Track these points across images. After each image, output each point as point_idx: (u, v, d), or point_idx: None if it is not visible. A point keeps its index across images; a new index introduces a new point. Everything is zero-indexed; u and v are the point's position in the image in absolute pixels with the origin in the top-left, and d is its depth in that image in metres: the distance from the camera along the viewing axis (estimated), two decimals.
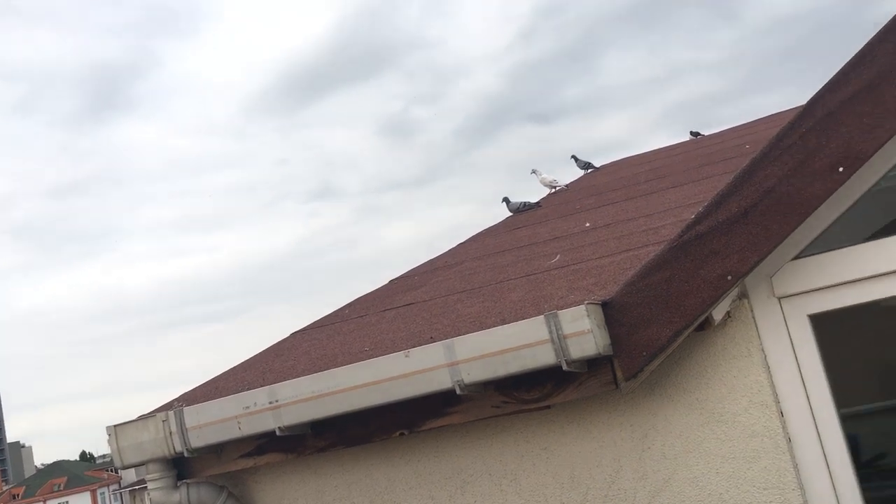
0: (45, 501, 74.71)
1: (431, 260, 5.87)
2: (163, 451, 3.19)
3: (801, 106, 2.57)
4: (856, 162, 2.42)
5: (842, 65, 2.47)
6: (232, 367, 3.93)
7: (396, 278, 5.48)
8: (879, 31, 2.40)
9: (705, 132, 10.20)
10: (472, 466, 3.03)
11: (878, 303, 2.73)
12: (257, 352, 4.19)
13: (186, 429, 3.13)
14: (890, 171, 2.56)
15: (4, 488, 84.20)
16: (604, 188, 7.25)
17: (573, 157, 9.61)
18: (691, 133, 10.64)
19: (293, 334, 4.49)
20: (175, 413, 3.15)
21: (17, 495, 77.10)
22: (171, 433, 3.16)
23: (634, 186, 6.55)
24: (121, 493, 74.56)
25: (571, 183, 8.53)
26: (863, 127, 2.39)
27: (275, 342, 4.34)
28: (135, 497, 71.64)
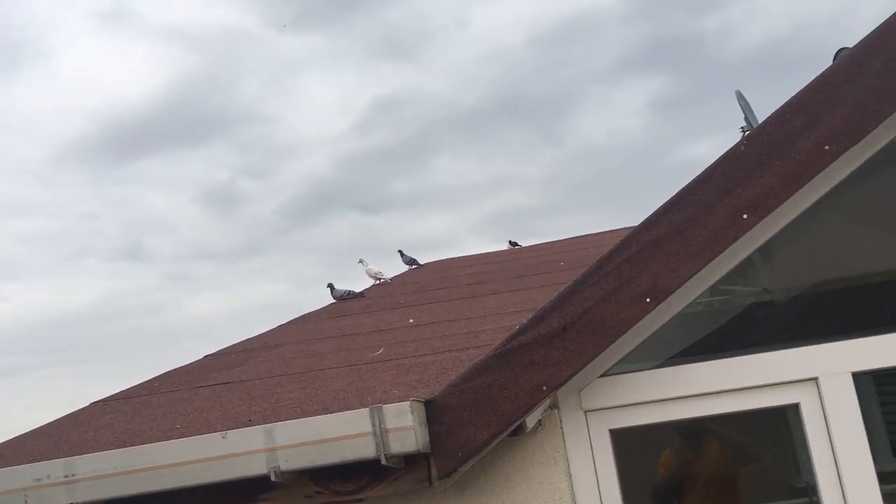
0: None
1: (250, 339, 5.76)
2: None
3: (613, 231, 2.86)
4: (662, 294, 2.71)
5: (655, 207, 2.79)
6: (22, 433, 3.63)
7: (211, 354, 5.32)
8: (689, 183, 2.75)
9: (522, 242, 10.82)
10: None
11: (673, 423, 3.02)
12: (52, 419, 3.90)
13: None
14: (690, 304, 2.88)
15: None
16: (428, 286, 7.47)
17: (399, 251, 9.84)
18: (510, 242, 11.25)
19: (94, 403, 4.23)
20: None
21: None
22: None
23: (457, 288, 6.81)
24: None
25: (396, 277, 8.71)
26: (669, 264, 2.70)
27: (73, 410, 4.06)
28: None
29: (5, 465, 3.00)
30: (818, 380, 2.78)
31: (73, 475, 2.81)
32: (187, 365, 5.06)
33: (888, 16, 2.68)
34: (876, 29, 2.70)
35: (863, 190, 2.90)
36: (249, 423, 2.99)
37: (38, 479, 2.83)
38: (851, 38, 2.74)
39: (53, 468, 2.83)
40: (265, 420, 3.03)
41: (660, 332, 2.93)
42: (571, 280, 2.87)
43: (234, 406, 3.51)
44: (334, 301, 7.28)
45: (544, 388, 2.75)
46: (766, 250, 2.87)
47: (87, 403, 4.27)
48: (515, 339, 2.81)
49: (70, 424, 3.79)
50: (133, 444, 2.98)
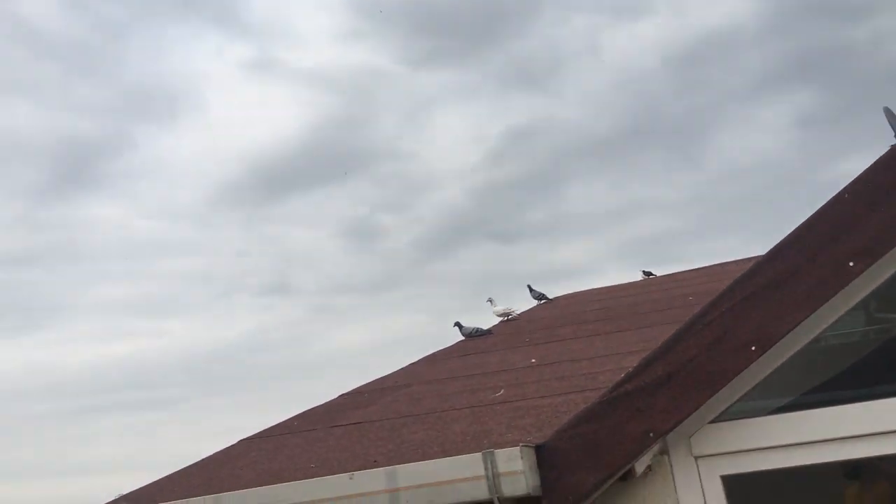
0: None
1: (382, 378, 6.06)
2: None
3: (749, 259, 2.90)
4: (766, 343, 2.74)
5: (771, 246, 2.82)
6: (178, 469, 4.04)
7: (347, 393, 5.65)
8: (792, 231, 2.78)
9: (658, 270, 10.70)
10: None
11: (789, 470, 3.01)
12: (204, 456, 4.30)
13: None
14: (796, 352, 2.88)
15: None
16: (554, 322, 7.57)
17: (528, 286, 9.97)
18: (643, 272, 11.16)
19: (240, 441, 4.61)
20: None
21: None
22: None
23: (583, 325, 6.88)
24: None
25: (524, 313, 8.85)
26: (774, 313, 2.73)
27: (223, 448, 4.45)
28: None
29: (164, 500, 3.36)
30: None
31: None
32: (324, 404, 5.40)
33: None
34: None
35: None
36: (375, 464, 3.22)
37: None
38: None
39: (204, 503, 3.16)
40: (389, 461, 3.25)
41: (771, 378, 2.94)
42: (677, 328, 2.94)
43: (364, 446, 3.76)
44: (463, 338, 7.50)
45: (651, 434, 2.82)
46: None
47: (236, 436, 4.67)
48: (621, 386, 2.90)
49: (220, 461, 4.17)
50: (272, 483, 3.27)
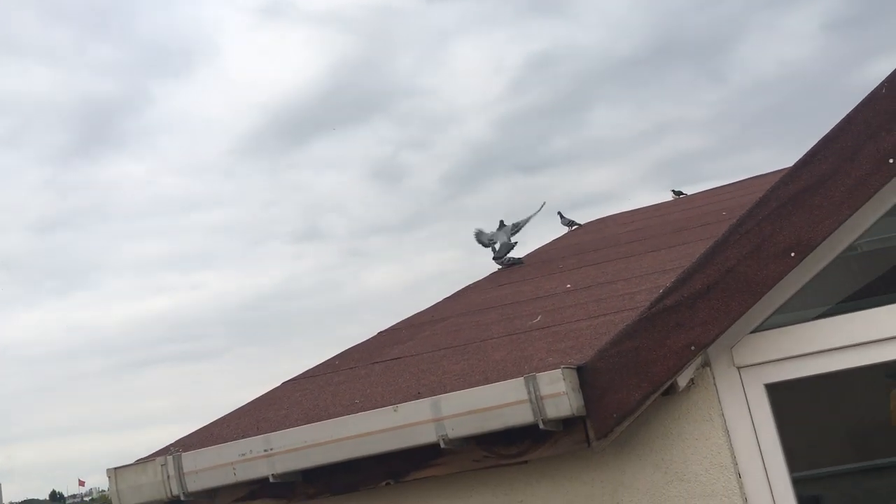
0: None
1: (418, 313, 6.10)
2: (160, 494, 3.36)
3: (781, 171, 2.83)
4: (805, 248, 2.69)
5: (805, 151, 2.75)
6: (226, 414, 4.12)
7: (384, 330, 5.70)
8: (827, 133, 2.70)
9: (688, 189, 10.55)
10: None
11: (831, 375, 2.98)
12: (249, 396, 4.39)
13: (184, 473, 3.32)
14: (837, 256, 2.83)
15: None
16: (586, 247, 7.53)
17: (559, 213, 9.90)
18: (673, 192, 11.01)
19: (284, 384, 4.69)
20: (173, 458, 3.34)
21: None
22: (168, 477, 3.34)
23: (615, 248, 6.84)
24: None
25: (554, 242, 8.81)
26: (812, 218, 2.67)
27: (267, 391, 4.53)
28: None
29: (215, 443, 3.44)
30: None
31: (271, 449, 3.20)
32: (363, 342, 5.46)
33: None
34: None
35: None
36: (419, 396, 3.26)
37: (243, 454, 3.24)
38: None
39: (254, 444, 3.23)
40: (433, 392, 3.28)
41: (811, 285, 2.90)
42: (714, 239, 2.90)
43: (405, 380, 3.80)
44: (498, 266, 7.46)
45: (692, 347, 2.81)
46: None
47: (278, 382, 4.75)
48: (661, 302, 2.88)
49: (266, 403, 4.25)
50: (319, 420, 3.33)
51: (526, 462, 3.07)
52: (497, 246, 7.44)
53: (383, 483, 3.20)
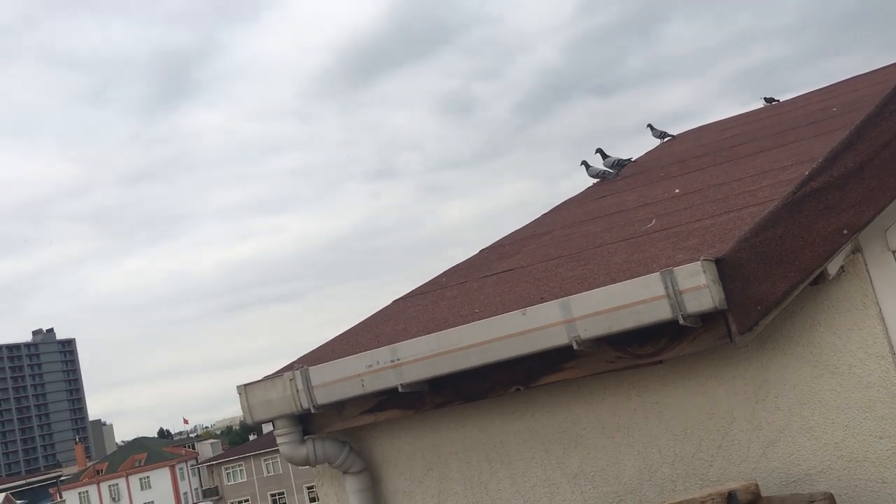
0: (127, 476, 77.74)
1: (519, 229, 5.99)
2: (290, 407, 3.40)
3: (889, 67, 2.58)
4: None
5: None
6: (344, 330, 4.13)
7: (487, 247, 5.61)
8: None
9: (780, 98, 10.03)
10: (586, 420, 3.16)
11: None
12: (363, 318, 4.38)
13: (312, 386, 3.33)
14: None
15: (88, 464, 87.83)
16: (685, 156, 7.23)
17: (649, 125, 9.56)
18: (765, 99, 10.47)
19: (394, 302, 4.67)
20: (301, 372, 3.35)
21: (101, 470, 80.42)
22: (297, 391, 3.36)
23: (718, 153, 6.53)
24: (199, 469, 77.11)
25: (647, 154, 8.50)
26: None
27: (378, 309, 4.52)
28: (212, 472, 74.00)
29: (336, 357, 3.44)
30: None
31: (398, 359, 3.17)
32: (467, 260, 5.39)
33: None
34: None
35: None
36: (541, 300, 3.16)
37: (370, 366, 3.22)
38: None
39: (381, 355, 3.20)
40: (556, 296, 3.18)
41: None
42: (861, 117, 2.66)
43: (523, 288, 3.71)
44: (593, 181, 7.26)
45: (845, 231, 2.62)
46: None
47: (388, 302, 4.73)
48: (807, 184, 2.68)
49: (380, 320, 4.24)
50: (441, 329, 3.28)
51: (661, 362, 2.96)
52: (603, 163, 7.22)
53: (513, 389, 3.14)
